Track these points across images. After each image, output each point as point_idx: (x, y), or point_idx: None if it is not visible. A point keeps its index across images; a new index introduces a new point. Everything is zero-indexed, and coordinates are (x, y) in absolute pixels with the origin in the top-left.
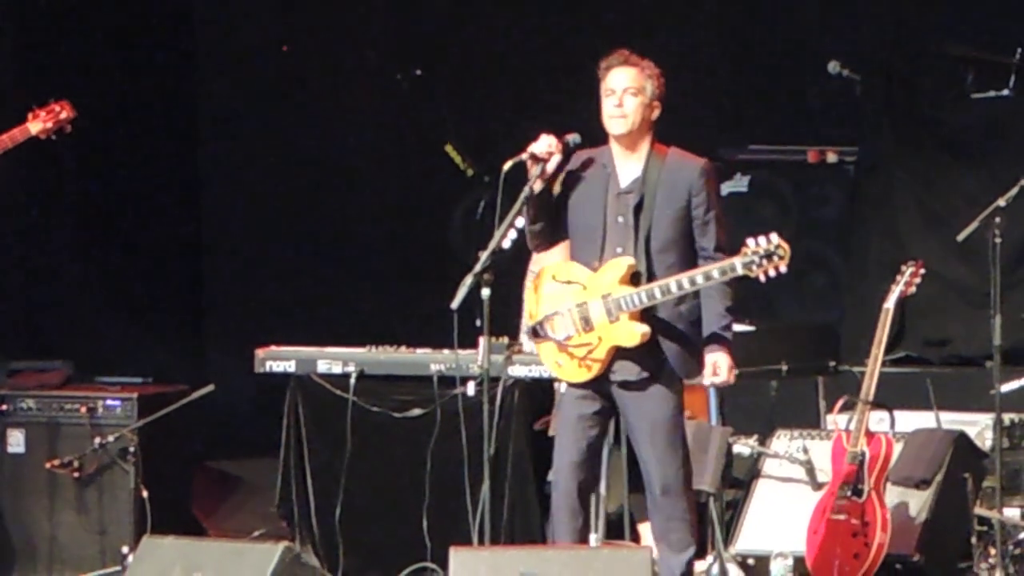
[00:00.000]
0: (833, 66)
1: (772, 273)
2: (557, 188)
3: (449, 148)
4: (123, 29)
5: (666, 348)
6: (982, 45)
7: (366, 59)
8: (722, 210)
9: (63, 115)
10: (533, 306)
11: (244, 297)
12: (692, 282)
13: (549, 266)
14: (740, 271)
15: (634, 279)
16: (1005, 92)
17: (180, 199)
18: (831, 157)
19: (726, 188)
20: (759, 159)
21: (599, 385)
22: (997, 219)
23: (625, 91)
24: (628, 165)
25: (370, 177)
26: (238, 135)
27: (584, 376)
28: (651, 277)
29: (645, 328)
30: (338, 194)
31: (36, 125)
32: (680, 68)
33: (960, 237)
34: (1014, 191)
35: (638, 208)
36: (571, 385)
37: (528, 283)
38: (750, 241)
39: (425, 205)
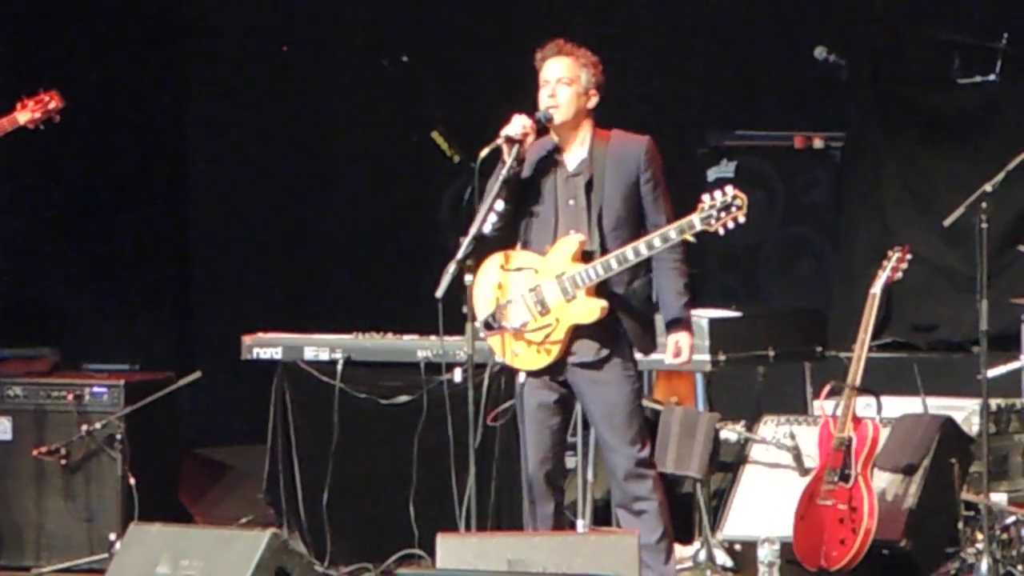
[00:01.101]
0: (819, 51)
1: (731, 225)
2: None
3: (436, 135)
4: (110, 17)
5: (624, 324)
6: (969, 30)
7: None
8: (666, 184)
9: (52, 105)
10: (482, 298)
11: (231, 284)
12: (649, 246)
13: (493, 256)
14: (699, 226)
15: (586, 257)
16: (992, 77)
17: (167, 186)
18: (818, 143)
19: (712, 174)
20: (745, 145)
21: (556, 372)
22: (984, 204)
23: (558, 81)
24: (573, 150)
25: (357, 164)
26: (225, 123)
27: (544, 361)
28: (604, 254)
29: (603, 302)
30: (325, 181)
31: (24, 115)
32: (666, 54)
33: (947, 222)
34: (1000, 176)
35: (588, 187)
36: (529, 375)
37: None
38: (705, 196)
39: (412, 192)
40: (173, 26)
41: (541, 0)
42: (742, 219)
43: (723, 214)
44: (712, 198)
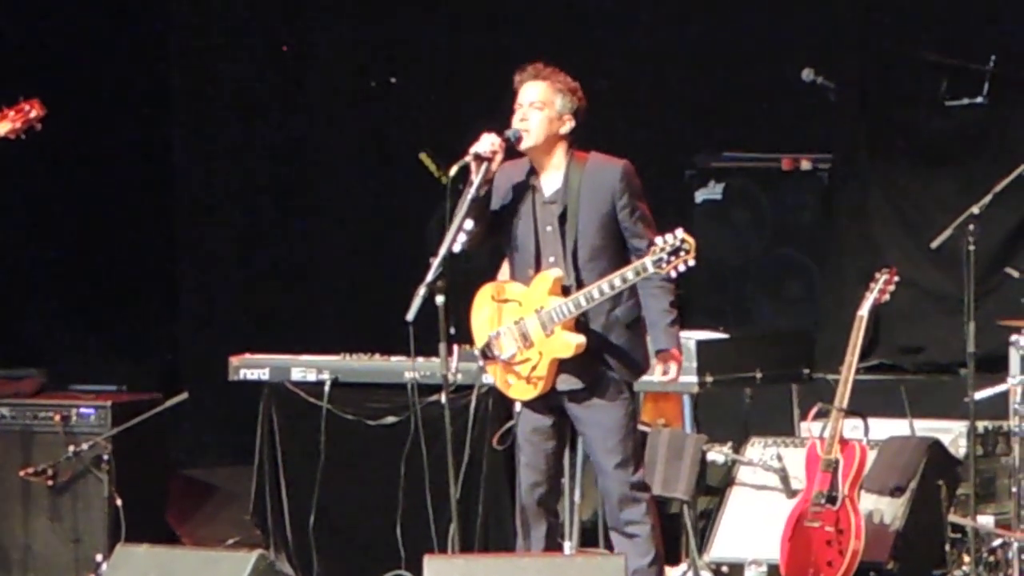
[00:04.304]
0: (807, 73)
1: (682, 268)
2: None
3: (424, 157)
4: (94, 25)
5: (606, 357)
6: (957, 53)
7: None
8: (646, 204)
9: (33, 113)
10: (479, 328)
11: (218, 305)
12: (612, 286)
13: (487, 287)
14: (651, 269)
15: (565, 291)
16: (979, 99)
17: (154, 208)
18: (805, 165)
19: (700, 196)
20: (733, 167)
21: (549, 400)
22: (971, 226)
23: (531, 105)
24: (549, 175)
25: (345, 185)
26: (212, 144)
27: (532, 393)
28: (580, 287)
29: (580, 338)
30: (312, 202)
31: (5, 125)
32: (655, 76)
33: (934, 244)
34: (988, 198)
35: (562, 219)
36: (523, 402)
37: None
38: (658, 239)
39: (400, 213)
40: (159, 50)
41: (530, 23)
42: (691, 262)
43: (673, 257)
44: (664, 241)
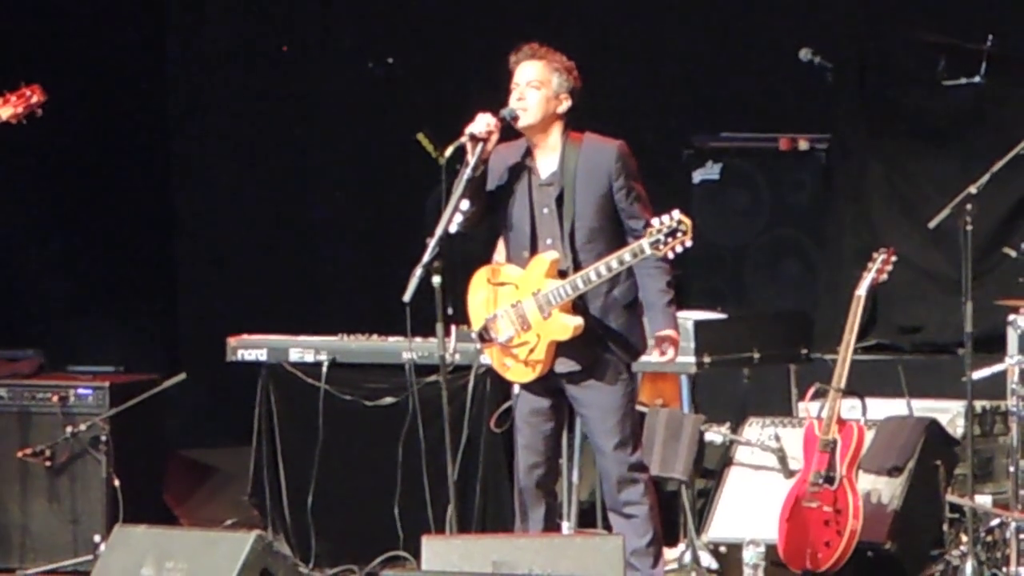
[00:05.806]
0: (805, 53)
1: (679, 249)
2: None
3: (421, 136)
4: (93, 10)
5: (605, 338)
6: (954, 32)
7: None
8: (642, 185)
9: (34, 99)
10: (475, 311)
11: (216, 285)
12: (609, 268)
13: (482, 269)
14: (648, 251)
15: (561, 274)
16: (977, 79)
17: (152, 186)
18: (803, 145)
19: (698, 176)
20: (731, 147)
21: (548, 381)
22: (968, 206)
23: (528, 84)
24: (545, 156)
25: (343, 165)
26: (209, 122)
27: (530, 376)
28: (577, 269)
29: (578, 320)
30: (311, 182)
31: (7, 110)
32: (652, 56)
33: (931, 224)
34: (985, 178)
35: (559, 201)
36: (522, 384)
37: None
38: (655, 220)
39: (398, 193)
40: (157, 25)
41: (528, 3)
42: (688, 243)
43: (670, 239)
44: (660, 222)
